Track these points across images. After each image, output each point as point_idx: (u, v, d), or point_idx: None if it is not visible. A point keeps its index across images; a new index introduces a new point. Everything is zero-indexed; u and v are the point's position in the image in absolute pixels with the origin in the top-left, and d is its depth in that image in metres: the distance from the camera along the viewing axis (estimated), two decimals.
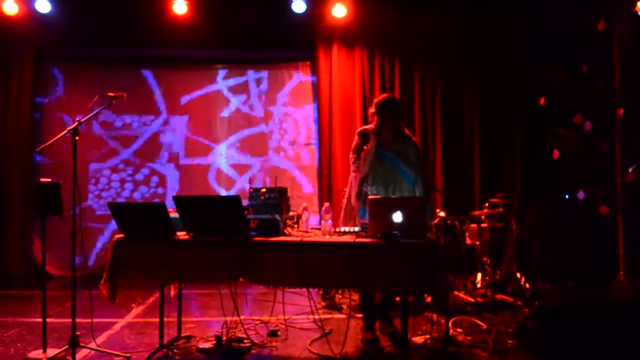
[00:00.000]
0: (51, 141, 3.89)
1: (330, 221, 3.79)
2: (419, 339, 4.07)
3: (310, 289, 4.14)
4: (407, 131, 4.41)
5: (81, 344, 3.79)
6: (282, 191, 3.92)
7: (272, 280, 3.62)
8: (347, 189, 4.57)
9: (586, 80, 6.20)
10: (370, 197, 3.75)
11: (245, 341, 4.08)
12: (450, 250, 5.55)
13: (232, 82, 7.68)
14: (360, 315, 4.51)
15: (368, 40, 7.34)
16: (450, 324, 4.11)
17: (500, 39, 7.21)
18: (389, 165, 4.23)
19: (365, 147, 4.21)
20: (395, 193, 4.21)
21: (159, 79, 7.64)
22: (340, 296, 5.55)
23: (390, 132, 4.27)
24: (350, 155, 4.40)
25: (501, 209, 5.66)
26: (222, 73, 7.69)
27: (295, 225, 4.06)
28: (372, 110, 4.40)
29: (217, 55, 7.65)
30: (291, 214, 4.06)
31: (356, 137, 4.39)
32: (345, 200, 4.53)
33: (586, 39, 6.17)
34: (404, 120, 6.82)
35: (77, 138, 3.73)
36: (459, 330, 4.38)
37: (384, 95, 4.47)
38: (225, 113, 7.65)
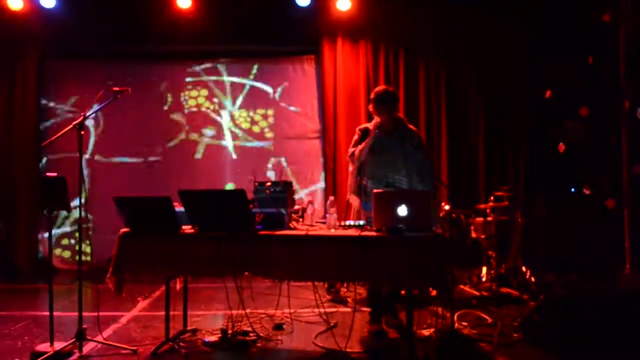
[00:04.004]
0: (56, 136, 3.91)
1: (335, 214, 3.79)
2: (424, 333, 4.08)
3: (316, 283, 4.15)
4: (408, 124, 4.43)
5: (88, 338, 3.81)
6: (287, 185, 3.93)
7: (277, 274, 3.63)
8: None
9: (592, 72, 6.16)
10: (375, 190, 3.74)
11: (250, 334, 4.09)
12: (456, 243, 5.54)
13: (236, 75, 7.68)
14: (365, 308, 4.52)
15: (373, 34, 7.31)
16: (455, 318, 4.11)
17: (506, 32, 7.17)
18: (397, 150, 4.24)
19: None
20: (404, 173, 4.23)
21: (163, 74, 7.65)
22: (345, 289, 5.57)
23: (390, 122, 4.29)
24: (350, 150, 4.41)
25: (506, 203, 5.65)
26: (226, 67, 7.70)
27: (301, 219, 4.06)
28: (370, 107, 4.43)
29: (222, 49, 7.64)
30: (296, 207, 4.06)
31: (358, 133, 4.43)
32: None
33: (592, 31, 6.13)
34: (401, 111, 6.93)
35: (82, 133, 3.75)
36: (464, 323, 4.37)
37: (378, 88, 4.51)
38: (228, 107, 7.67)
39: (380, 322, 4.26)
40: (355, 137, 4.43)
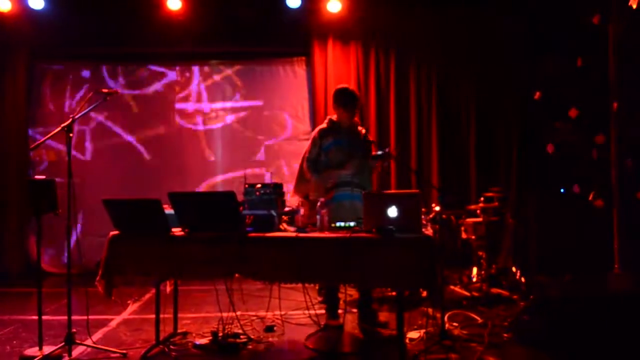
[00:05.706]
0: (45, 138, 3.89)
1: (326, 216, 3.79)
2: (414, 334, 4.08)
3: (306, 285, 4.14)
4: (358, 124, 4.64)
5: (77, 341, 3.79)
6: (277, 187, 3.93)
7: (267, 276, 3.62)
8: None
9: (581, 73, 6.20)
10: (365, 192, 3.77)
11: (241, 337, 4.08)
12: (446, 244, 5.56)
13: (226, 77, 7.68)
14: (355, 310, 4.54)
15: (363, 35, 7.33)
16: (445, 318, 4.11)
17: (496, 34, 7.19)
18: (355, 148, 4.42)
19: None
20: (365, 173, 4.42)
21: (153, 75, 7.63)
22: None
23: (347, 120, 4.52)
24: (309, 156, 4.48)
25: (497, 203, 5.67)
26: (216, 68, 7.69)
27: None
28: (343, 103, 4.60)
29: (212, 51, 7.62)
30: (287, 209, 4.06)
31: (315, 138, 4.54)
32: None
33: (581, 33, 6.17)
34: (392, 112, 6.97)
35: (70, 135, 3.73)
36: (454, 324, 4.38)
37: (346, 86, 4.66)
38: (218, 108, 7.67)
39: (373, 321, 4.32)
40: (316, 138, 4.51)
